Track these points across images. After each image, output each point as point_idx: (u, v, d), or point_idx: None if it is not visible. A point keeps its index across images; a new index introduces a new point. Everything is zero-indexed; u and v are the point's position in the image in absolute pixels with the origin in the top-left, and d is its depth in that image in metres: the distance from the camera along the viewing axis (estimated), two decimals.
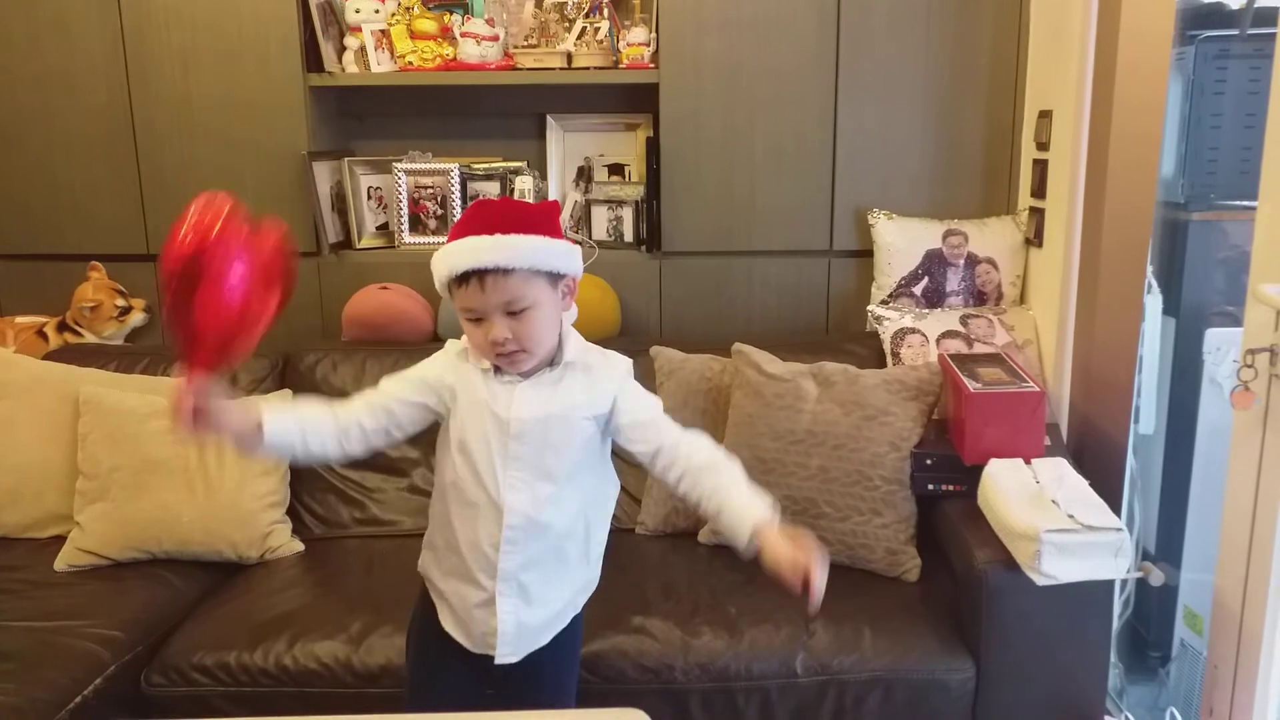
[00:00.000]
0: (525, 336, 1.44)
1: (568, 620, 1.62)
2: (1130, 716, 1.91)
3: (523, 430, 1.48)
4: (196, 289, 1.26)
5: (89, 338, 2.71)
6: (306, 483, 2.43)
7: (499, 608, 1.52)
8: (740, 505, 1.48)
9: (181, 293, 1.27)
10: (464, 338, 1.53)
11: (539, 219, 1.45)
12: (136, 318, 2.76)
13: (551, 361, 1.51)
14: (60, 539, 2.26)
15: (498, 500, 1.49)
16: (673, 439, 1.55)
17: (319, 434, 1.49)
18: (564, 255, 1.47)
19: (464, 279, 1.42)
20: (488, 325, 1.43)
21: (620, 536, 2.34)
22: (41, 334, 2.71)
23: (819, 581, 1.37)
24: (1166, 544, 2.37)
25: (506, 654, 1.55)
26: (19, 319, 2.75)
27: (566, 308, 1.52)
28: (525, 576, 1.53)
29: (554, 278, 1.47)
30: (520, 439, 1.48)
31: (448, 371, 1.53)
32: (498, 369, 1.50)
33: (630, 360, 1.59)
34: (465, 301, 1.44)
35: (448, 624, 1.59)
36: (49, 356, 2.57)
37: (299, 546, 2.31)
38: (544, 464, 1.49)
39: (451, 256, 1.42)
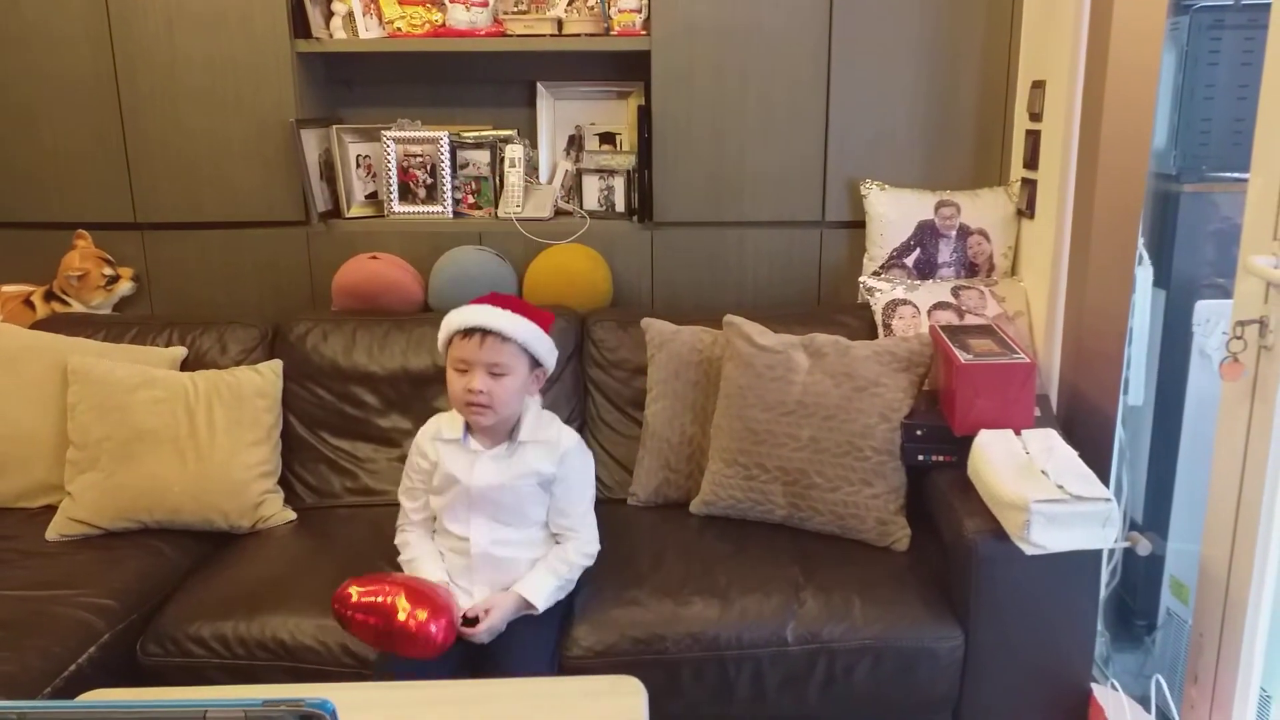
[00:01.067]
0: (496, 397, 1.79)
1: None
2: (1116, 684, 1.93)
3: (481, 495, 1.85)
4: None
5: (76, 307, 2.69)
6: (298, 453, 2.43)
7: (475, 595, 1.84)
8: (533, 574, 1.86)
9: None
10: (435, 420, 1.94)
11: (542, 318, 1.85)
12: (124, 287, 2.74)
13: (509, 436, 1.86)
14: (51, 509, 2.26)
15: (464, 536, 1.86)
16: (564, 541, 1.91)
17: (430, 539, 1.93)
18: (550, 350, 1.87)
19: (469, 333, 1.78)
20: (470, 377, 1.79)
21: (611, 507, 2.37)
22: (29, 303, 2.69)
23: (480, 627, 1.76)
24: (1154, 514, 2.39)
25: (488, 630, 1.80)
26: (5, 288, 2.72)
27: (533, 392, 1.89)
28: (496, 584, 1.85)
29: (534, 363, 1.85)
30: (480, 501, 1.85)
31: (429, 449, 1.90)
32: (467, 430, 1.86)
33: (577, 437, 1.93)
34: (461, 352, 1.79)
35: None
36: (36, 326, 2.55)
37: (291, 516, 2.31)
38: (500, 517, 1.86)
39: (466, 314, 1.81)
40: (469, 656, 1.78)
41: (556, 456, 1.87)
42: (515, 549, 1.87)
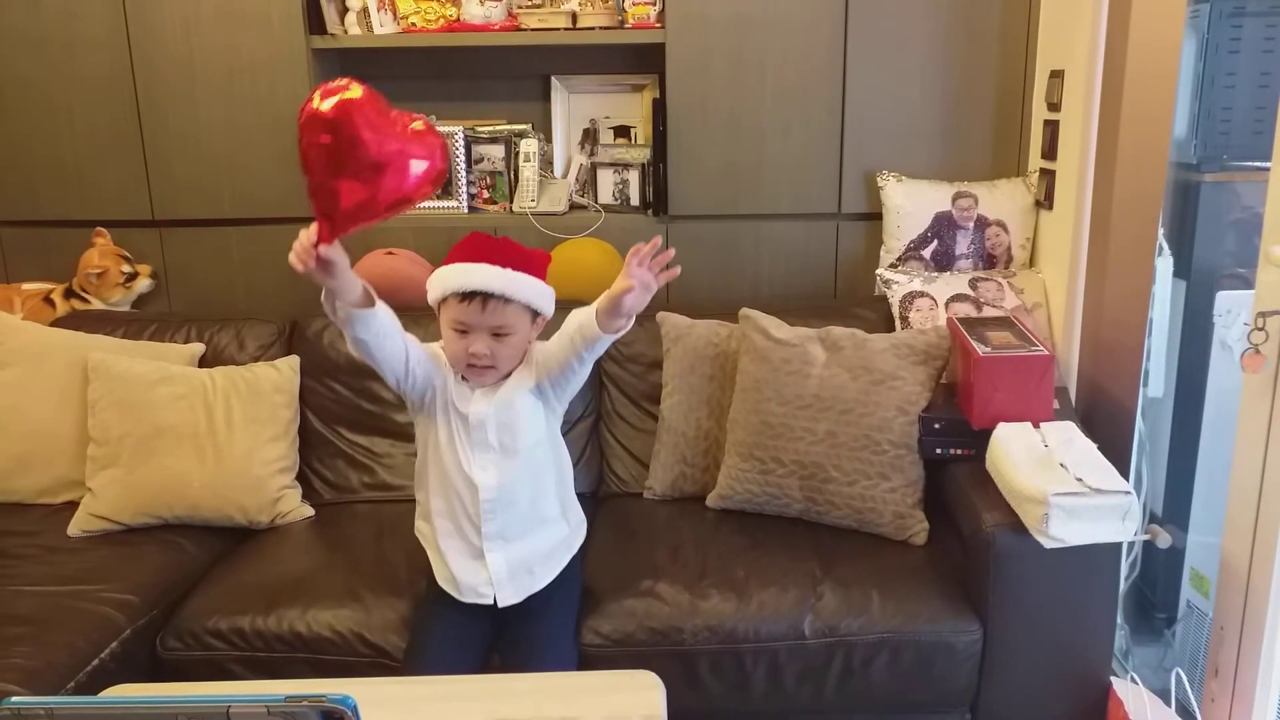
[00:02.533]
0: (500, 357, 1.73)
1: (561, 566, 1.87)
2: (1136, 677, 1.92)
3: (480, 420, 1.75)
4: (381, 177, 1.43)
5: (96, 304, 2.71)
6: (316, 448, 2.44)
7: (489, 560, 1.79)
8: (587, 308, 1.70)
9: (352, 168, 1.42)
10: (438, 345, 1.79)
11: (538, 264, 1.75)
12: (143, 284, 2.76)
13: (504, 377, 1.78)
14: (73, 504, 2.28)
15: (473, 481, 1.76)
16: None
17: (398, 327, 1.69)
18: (550, 298, 1.77)
19: (469, 297, 1.68)
20: (471, 339, 1.70)
21: (628, 501, 2.38)
22: (49, 301, 2.71)
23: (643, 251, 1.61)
24: (1174, 506, 2.37)
25: (508, 596, 1.80)
26: (26, 286, 2.75)
27: (534, 339, 1.80)
28: (509, 534, 1.79)
29: (534, 314, 1.76)
30: (480, 427, 1.75)
31: (439, 364, 1.79)
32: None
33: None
34: (461, 315, 1.70)
35: (442, 579, 1.83)
36: (56, 323, 2.57)
37: (309, 512, 2.32)
38: (504, 443, 1.76)
39: (463, 274, 1.68)
40: (495, 646, 1.81)
41: (532, 364, 1.78)
42: (528, 485, 1.79)
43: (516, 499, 1.78)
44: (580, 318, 1.70)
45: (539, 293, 1.74)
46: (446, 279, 1.70)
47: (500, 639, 1.83)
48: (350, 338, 1.64)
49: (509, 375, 1.78)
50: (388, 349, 1.68)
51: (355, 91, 1.42)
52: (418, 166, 1.45)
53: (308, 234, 1.48)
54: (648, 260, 1.61)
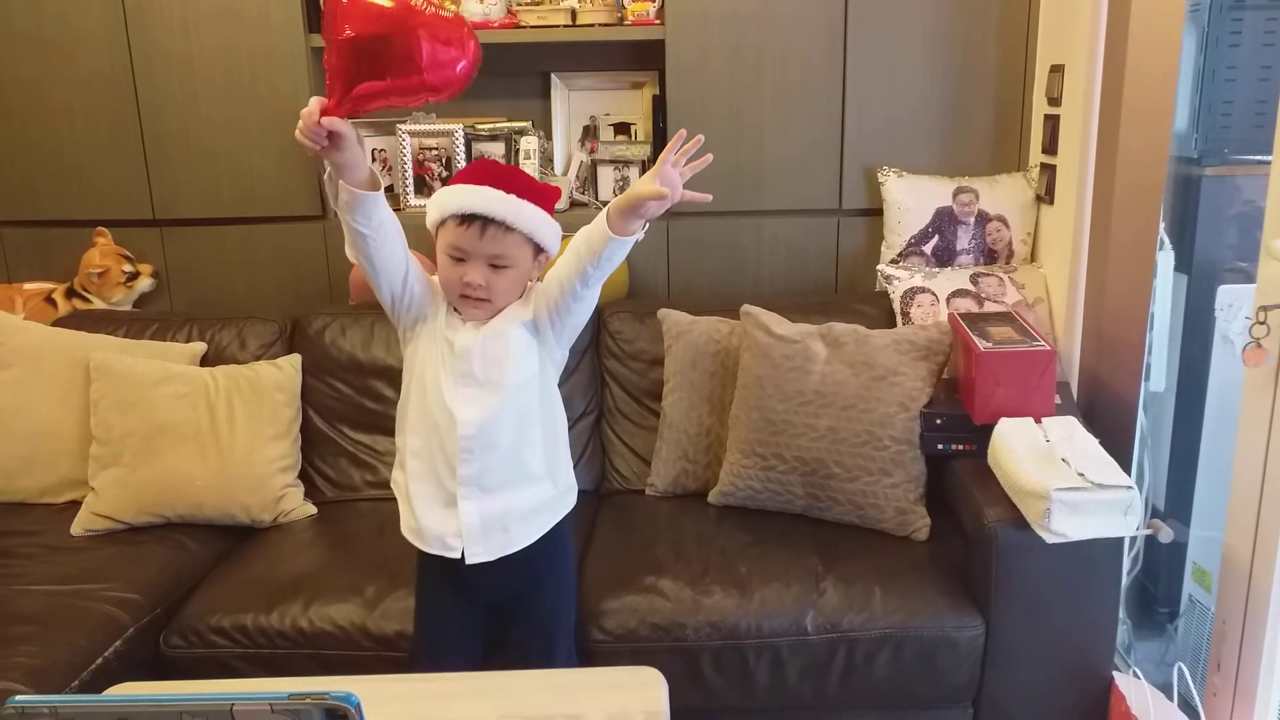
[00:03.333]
0: (496, 290, 1.59)
1: (543, 529, 1.70)
2: (1139, 672, 1.92)
3: (466, 348, 1.61)
4: (411, 76, 1.37)
5: (97, 304, 2.72)
6: (318, 446, 2.44)
7: (460, 509, 1.64)
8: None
9: (386, 69, 1.36)
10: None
11: (547, 196, 1.62)
12: (144, 283, 2.76)
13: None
14: (76, 504, 2.29)
15: (453, 414, 1.61)
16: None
17: (394, 229, 1.57)
18: (556, 236, 1.64)
19: (468, 220, 1.55)
20: (467, 268, 1.58)
21: (630, 497, 2.38)
22: (50, 300, 2.71)
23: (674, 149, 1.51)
24: (1176, 501, 2.37)
25: (476, 553, 1.65)
26: (27, 286, 2.75)
27: (534, 279, 1.67)
28: (485, 483, 1.64)
29: (538, 250, 1.62)
30: (465, 356, 1.61)
31: (435, 293, 1.66)
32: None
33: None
34: (459, 240, 1.57)
35: (407, 529, 1.70)
36: (58, 323, 2.57)
37: (311, 510, 2.33)
38: (489, 376, 1.61)
39: (464, 195, 1.56)
40: (494, 641, 1.76)
41: (530, 299, 1.65)
42: (512, 426, 1.63)
43: (497, 441, 1.62)
44: (585, 230, 1.58)
45: (544, 224, 1.60)
46: (445, 200, 1.58)
47: (500, 637, 1.76)
48: (351, 231, 1.53)
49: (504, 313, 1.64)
50: (386, 252, 1.56)
51: None
52: (448, 67, 1.39)
53: (314, 106, 1.38)
54: (683, 161, 1.52)
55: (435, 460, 1.64)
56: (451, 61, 1.41)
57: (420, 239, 2.68)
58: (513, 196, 1.56)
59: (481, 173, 1.59)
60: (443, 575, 1.70)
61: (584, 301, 1.62)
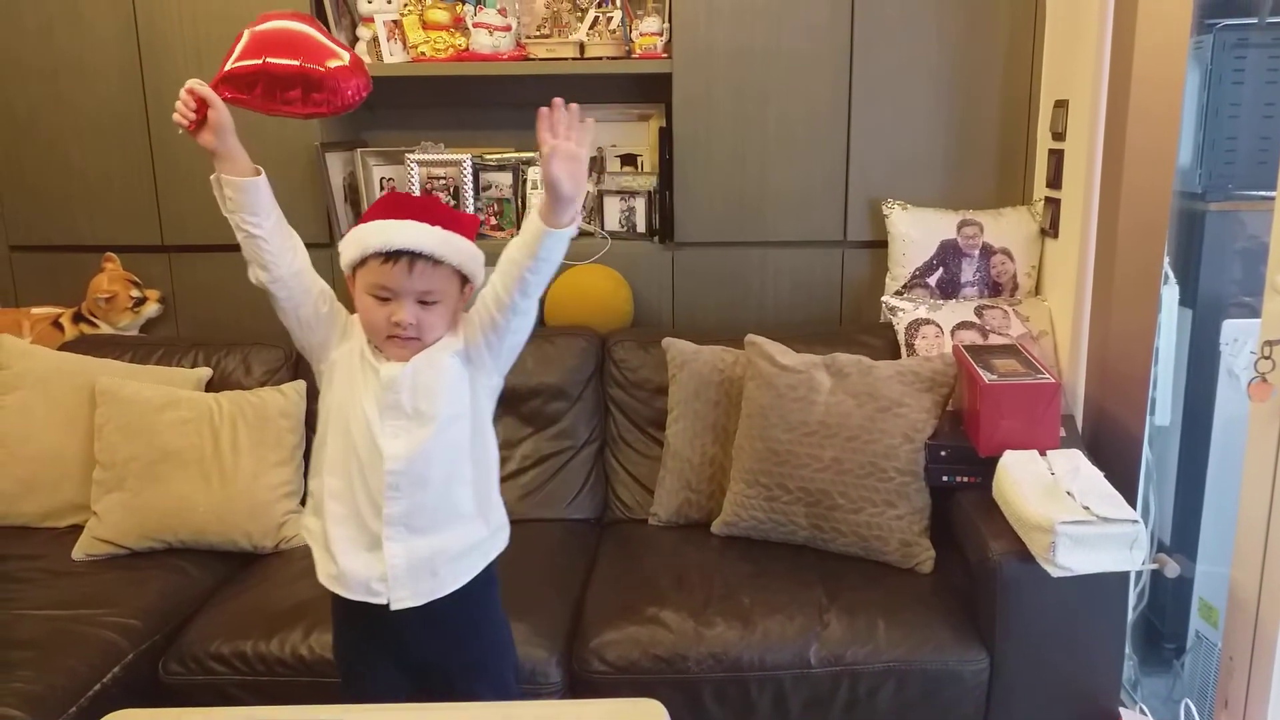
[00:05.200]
0: (426, 326, 1.51)
1: (473, 572, 1.60)
2: (1145, 708, 1.91)
3: (393, 377, 1.51)
4: (305, 93, 1.52)
5: (104, 329, 2.72)
6: None
7: (386, 551, 1.53)
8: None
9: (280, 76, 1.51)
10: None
11: (469, 225, 1.56)
12: (151, 309, 2.77)
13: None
14: (78, 528, 2.28)
15: (379, 448, 1.51)
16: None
17: (287, 231, 1.54)
18: (481, 264, 1.57)
19: (393, 257, 1.47)
20: (394, 307, 1.49)
21: (633, 527, 2.37)
22: (57, 325, 2.72)
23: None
24: (1182, 535, 2.36)
25: (403, 598, 1.54)
26: (35, 310, 2.76)
27: (461, 309, 1.58)
28: (414, 522, 1.54)
29: (464, 281, 1.56)
30: (392, 386, 1.52)
31: (348, 319, 1.59)
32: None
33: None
34: (384, 279, 1.48)
35: (325, 575, 1.59)
36: (65, 347, 2.58)
37: None
38: (419, 408, 1.52)
39: (387, 231, 1.48)
40: (426, 679, 1.65)
41: (459, 328, 1.57)
42: (442, 462, 1.54)
43: (428, 478, 1.53)
44: (515, 239, 1.50)
45: (471, 255, 1.54)
46: (366, 237, 1.49)
47: (429, 683, 1.64)
48: (246, 238, 1.48)
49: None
50: (286, 260, 1.50)
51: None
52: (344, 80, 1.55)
53: (188, 83, 1.45)
54: (561, 126, 1.44)
55: (358, 500, 1.54)
56: (349, 79, 1.54)
57: None
58: (438, 229, 1.49)
59: (400, 206, 1.52)
60: (364, 625, 1.61)
61: (524, 316, 1.53)
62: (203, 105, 1.45)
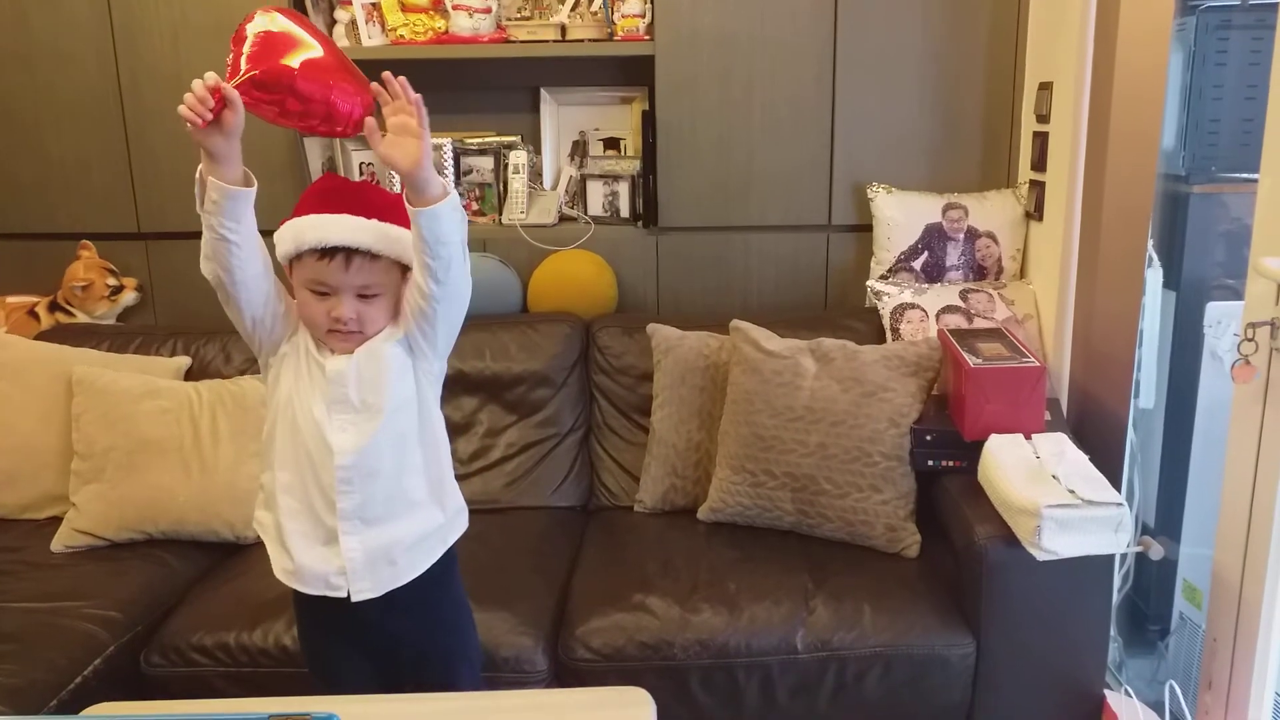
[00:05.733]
0: (368, 320, 1.48)
1: (432, 558, 1.60)
2: (1130, 690, 1.92)
3: (339, 371, 1.49)
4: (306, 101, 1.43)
5: (81, 317, 2.69)
6: None
7: (343, 545, 1.52)
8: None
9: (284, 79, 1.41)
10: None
11: (403, 210, 1.47)
12: (128, 297, 2.74)
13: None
14: (56, 520, 2.26)
15: (328, 443, 1.50)
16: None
17: (257, 235, 1.48)
18: None
19: (329, 253, 1.44)
20: (334, 302, 1.46)
21: (618, 514, 2.36)
22: (33, 314, 2.69)
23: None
24: (1166, 518, 2.37)
25: (363, 589, 1.54)
26: (10, 299, 2.72)
27: (403, 296, 1.53)
28: (367, 514, 1.53)
29: (405, 269, 1.50)
30: (338, 381, 1.50)
31: (294, 314, 1.55)
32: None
33: None
34: (322, 275, 1.45)
35: (281, 570, 1.58)
36: (41, 337, 2.55)
37: None
38: (366, 401, 1.50)
39: (322, 227, 1.44)
40: (392, 668, 1.65)
41: (399, 321, 1.53)
42: (392, 453, 1.53)
43: (378, 469, 1.52)
44: (411, 239, 1.45)
45: (409, 245, 1.47)
46: (301, 232, 1.45)
47: (395, 673, 1.64)
48: (216, 240, 1.43)
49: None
50: (251, 266, 1.45)
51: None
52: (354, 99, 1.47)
53: (209, 77, 1.34)
54: (403, 104, 1.39)
55: (310, 495, 1.53)
56: (358, 100, 1.47)
57: None
58: (374, 221, 1.45)
59: (334, 198, 1.47)
60: (326, 618, 1.60)
61: (446, 301, 1.47)
62: (221, 104, 1.35)
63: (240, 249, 1.44)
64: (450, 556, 1.63)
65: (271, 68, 1.40)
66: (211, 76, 1.34)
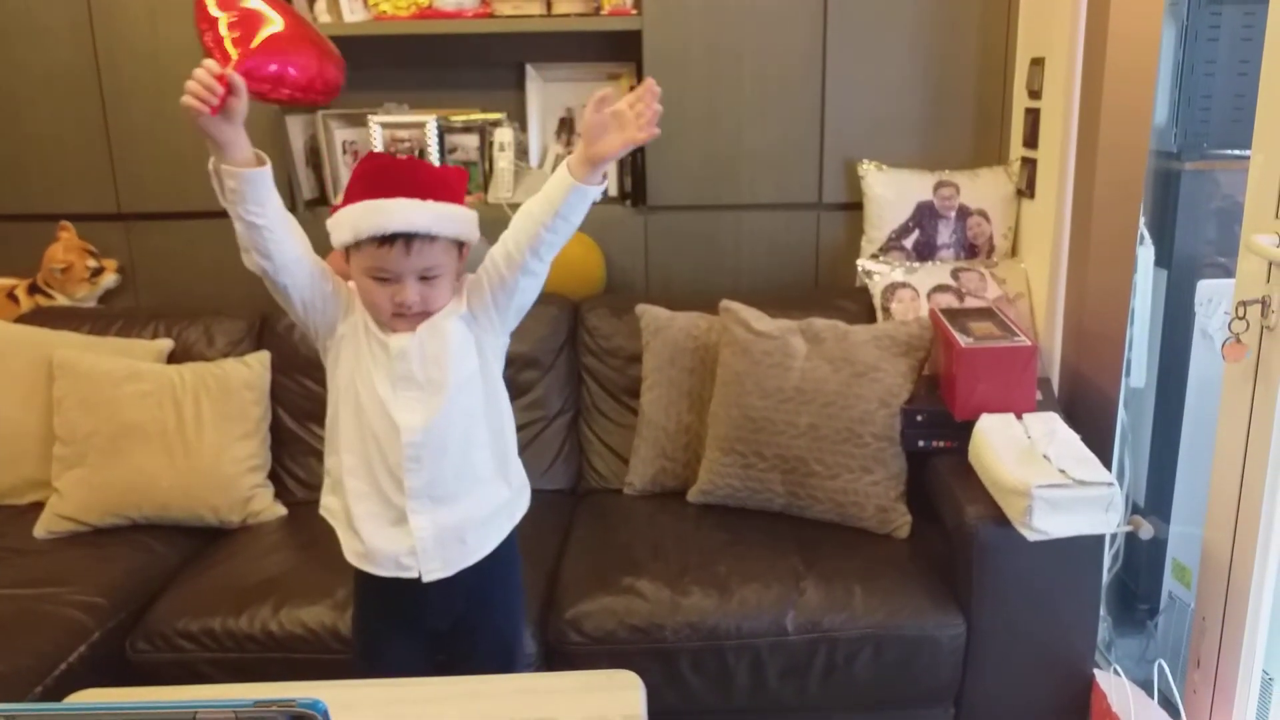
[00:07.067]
0: (431, 300, 1.49)
1: (501, 535, 1.61)
2: (1119, 669, 1.92)
3: (403, 349, 1.49)
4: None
5: (61, 300, 2.65)
6: (288, 446, 2.39)
7: (412, 524, 1.52)
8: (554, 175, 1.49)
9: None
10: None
11: (459, 187, 1.51)
12: (109, 279, 2.70)
13: None
14: (39, 505, 2.23)
15: (395, 421, 1.50)
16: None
17: (287, 215, 1.47)
18: (475, 224, 1.52)
19: (388, 240, 1.43)
20: (397, 287, 1.46)
21: (608, 497, 2.35)
22: (12, 297, 2.65)
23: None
24: (1156, 497, 2.37)
25: (434, 569, 1.54)
26: None
27: (464, 270, 1.55)
28: (436, 492, 1.53)
29: (460, 245, 1.51)
30: (403, 358, 1.49)
31: (347, 291, 1.54)
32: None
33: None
34: (382, 262, 1.44)
35: (353, 552, 1.58)
36: (20, 320, 2.52)
37: (281, 511, 2.28)
38: (431, 377, 1.51)
39: (379, 214, 1.43)
40: (442, 646, 1.65)
41: (462, 290, 1.55)
42: (458, 428, 1.53)
43: (446, 446, 1.52)
44: (536, 198, 1.47)
45: (466, 221, 1.50)
46: (359, 221, 1.44)
47: (448, 663, 1.64)
48: (246, 227, 1.42)
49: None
50: (287, 247, 1.45)
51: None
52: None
53: (211, 64, 1.34)
54: (648, 115, 1.40)
55: (378, 476, 1.53)
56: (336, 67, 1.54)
57: None
58: (430, 202, 1.44)
59: (385, 180, 1.45)
60: (391, 600, 1.59)
61: (534, 277, 1.52)
62: (227, 90, 1.33)
63: (273, 231, 1.43)
64: (514, 537, 1.64)
65: (263, 53, 1.44)
66: (214, 64, 1.34)
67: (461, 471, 1.55)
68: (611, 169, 2.69)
